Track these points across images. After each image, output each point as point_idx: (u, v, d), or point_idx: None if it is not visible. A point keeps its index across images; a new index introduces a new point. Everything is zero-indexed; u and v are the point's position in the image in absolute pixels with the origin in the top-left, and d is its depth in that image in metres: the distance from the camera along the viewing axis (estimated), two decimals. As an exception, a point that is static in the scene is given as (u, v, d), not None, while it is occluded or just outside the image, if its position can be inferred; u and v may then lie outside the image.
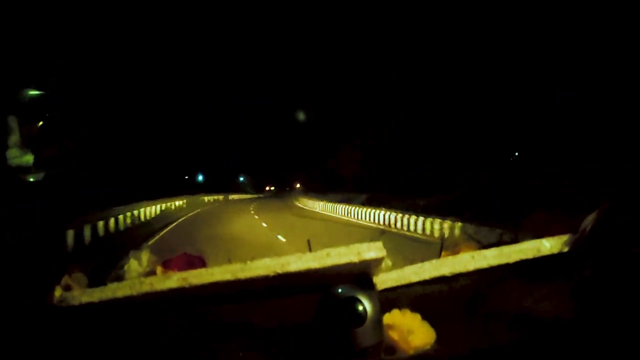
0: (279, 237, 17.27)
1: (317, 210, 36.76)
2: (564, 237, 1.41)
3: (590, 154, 19.36)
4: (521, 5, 24.48)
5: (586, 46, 20.84)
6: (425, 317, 1.29)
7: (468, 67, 27.11)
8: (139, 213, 22.42)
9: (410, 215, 20.35)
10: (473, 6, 27.17)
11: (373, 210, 24.79)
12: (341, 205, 31.15)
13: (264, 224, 23.45)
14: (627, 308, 1.23)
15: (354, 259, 1.26)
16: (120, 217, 19.29)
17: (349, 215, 28.25)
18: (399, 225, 21.25)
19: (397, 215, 21.64)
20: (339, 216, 29.74)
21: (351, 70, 37.12)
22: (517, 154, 26.43)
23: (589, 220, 1.38)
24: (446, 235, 18.13)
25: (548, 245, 1.41)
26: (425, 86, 29.90)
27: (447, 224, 17.91)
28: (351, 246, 1.28)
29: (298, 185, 71.61)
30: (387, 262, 1.39)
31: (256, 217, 29.14)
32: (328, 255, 1.27)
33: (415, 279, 1.40)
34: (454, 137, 27.64)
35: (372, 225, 23.74)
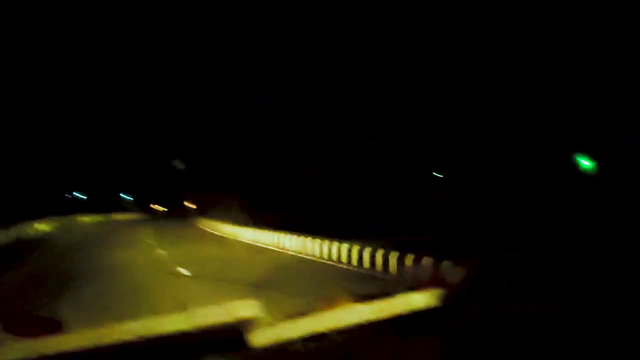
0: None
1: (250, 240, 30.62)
2: (435, 291, 1.35)
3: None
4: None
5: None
6: None
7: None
8: None
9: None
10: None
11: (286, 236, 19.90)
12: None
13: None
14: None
15: (227, 318, 1.19)
16: None
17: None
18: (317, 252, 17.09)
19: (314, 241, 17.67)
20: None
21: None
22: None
23: (457, 275, 1.35)
24: (355, 259, 15.02)
25: (419, 299, 1.35)
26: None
27: (355, 249, 14.72)
28: (224, 305, 1.21)
29: (191, 206, 63.13)
30: (267, 318, 1.31)
31: (163, 252, 18.02)
32: (198, 315, 1.19)
33: (291, 335, 1.32)
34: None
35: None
